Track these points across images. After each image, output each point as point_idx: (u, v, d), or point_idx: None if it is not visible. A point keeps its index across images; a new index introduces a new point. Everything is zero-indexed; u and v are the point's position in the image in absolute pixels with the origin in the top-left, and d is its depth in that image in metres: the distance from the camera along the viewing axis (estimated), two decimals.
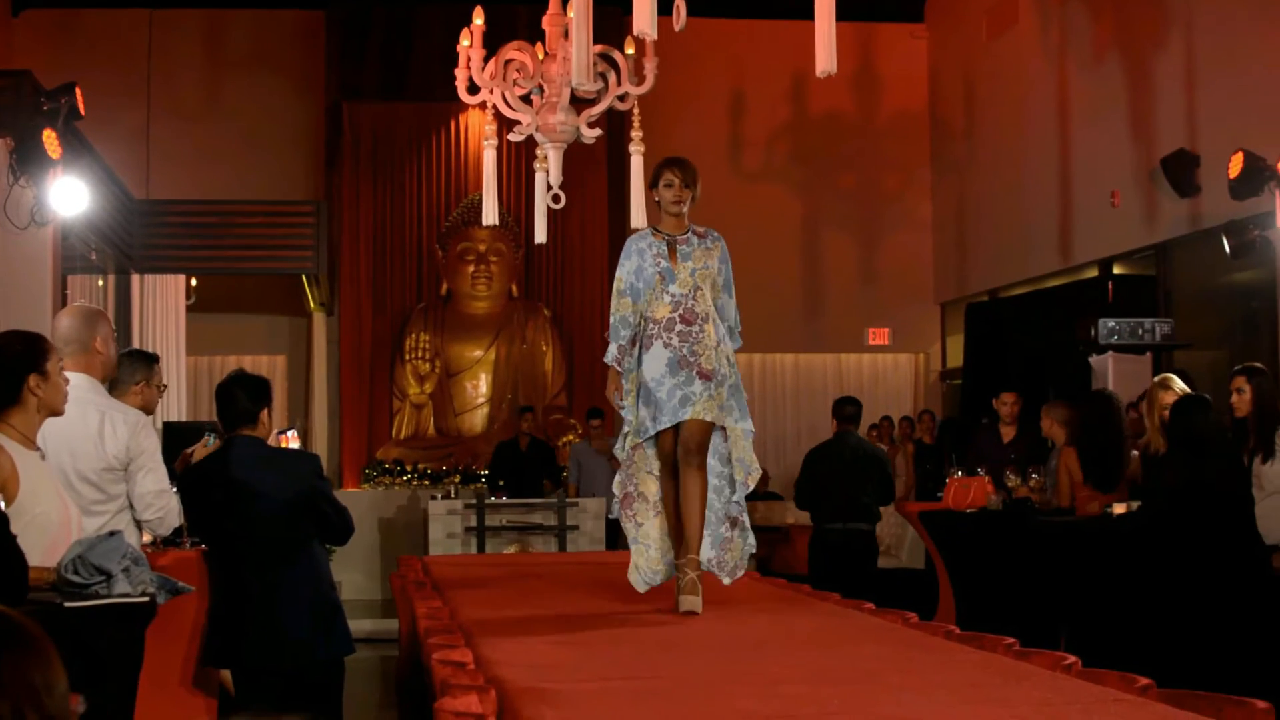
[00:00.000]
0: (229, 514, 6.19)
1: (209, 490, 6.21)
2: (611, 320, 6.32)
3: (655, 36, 5.67)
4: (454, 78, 7.77)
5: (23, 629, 2.11)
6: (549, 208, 7.95)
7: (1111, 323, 11.90)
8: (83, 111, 9.81)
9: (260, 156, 17.51)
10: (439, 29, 15.69)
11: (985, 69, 17.20)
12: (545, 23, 7.61)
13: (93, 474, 5.75)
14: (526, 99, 7.72)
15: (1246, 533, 7.44)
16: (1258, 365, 8.40)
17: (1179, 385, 8.58)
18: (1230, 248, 11.01)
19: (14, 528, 4.08)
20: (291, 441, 7.67)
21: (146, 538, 6.35)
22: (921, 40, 18.88)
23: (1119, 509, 8.63)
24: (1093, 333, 11.86)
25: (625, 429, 6.31)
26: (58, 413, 4.89)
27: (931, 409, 17.25)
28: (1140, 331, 11.90)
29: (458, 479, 16.77)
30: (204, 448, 6.50)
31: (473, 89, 7.73)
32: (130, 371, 6.53)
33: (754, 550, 6.55)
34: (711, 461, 6.31)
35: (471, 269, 17.69)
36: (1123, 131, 13.71)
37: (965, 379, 16.80)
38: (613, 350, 6.29)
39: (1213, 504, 7.45)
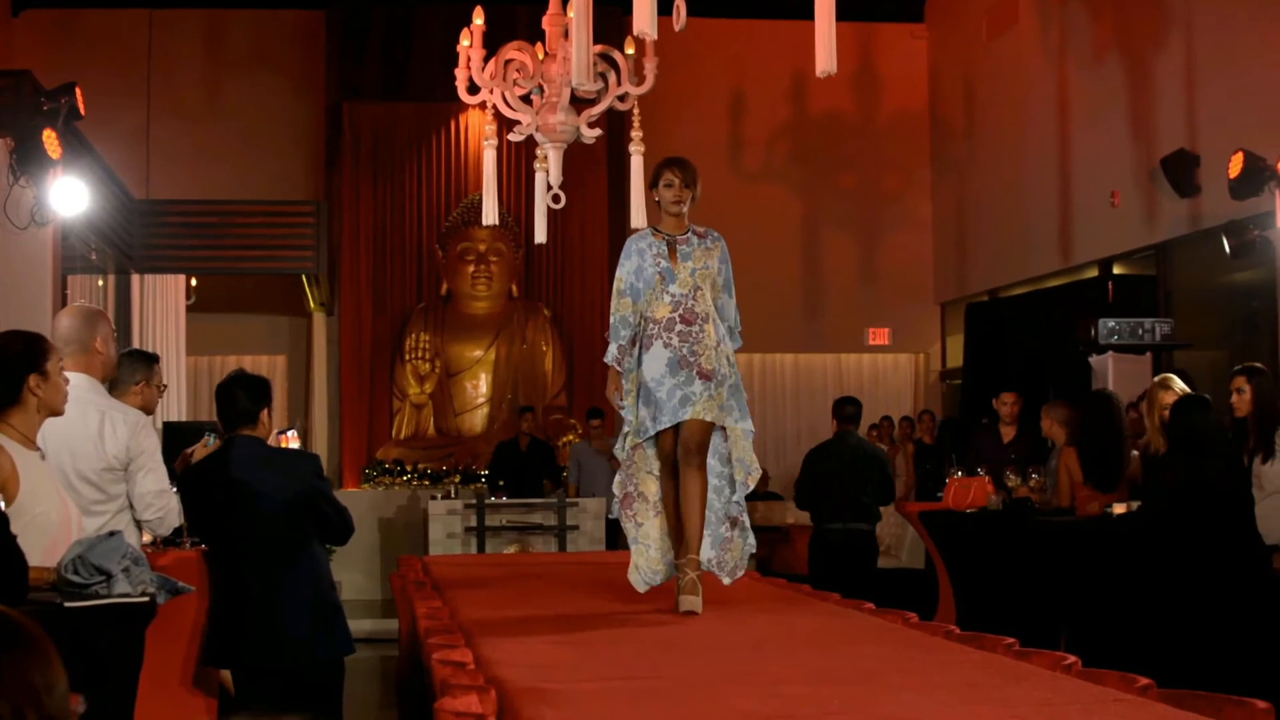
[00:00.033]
0: (229, 514, 6.19)
1: (209, 490, 6.21)
2: (611, 320, 6.32)
3: (655, 36, 5.67)
4: (454, 78, 7.77)
5: (23, 629, 2.11)
6: (549, 208, 7.95)
7: (1111, 323, 11.90)
8: (83, 111, 9.81)
9: (260, 156, 17.51)
10: (439, 29, 15.69)
11: (985, 69, 17.20)
12: (545, 23, 7.61)
13: (93, 474, 5.75)
14: (526, 99, 7.72)
15: (1246, 533, 7.43)
16: (1258, 365, 8.40)
17: (1179, 385, 8.58)
18: (1230, 248, 11.01)
19: (14, 528, 4.08)
20: (291, 441, 7.67)
21: (146, 538, 6.35)
22: (921, 40, 18.88)
23: (1119, 509, 8.63)
24: (1093, 333, 11.86)
25: (625, 429, 6.31)
26: (58, 413, 4.89)
27: (931, 409, 17.25)
28: (1140, 331, 11.90)
29: (458, 479, 16.77)
30: (204, 448, 6.50)
31: (473, 89, 7.73)
32: (130, 371, 6.52)
33: (754, 550, 6.55)
34: (711, 461, 6.31)
35: (471, 269, 17.69)
36: (1123, 131, 13.71)
37: (965, 379, 16.80)
38: (613, 350, 6.29)
39: (1213, 504, 7.45)
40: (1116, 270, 14.39)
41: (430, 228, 17.76)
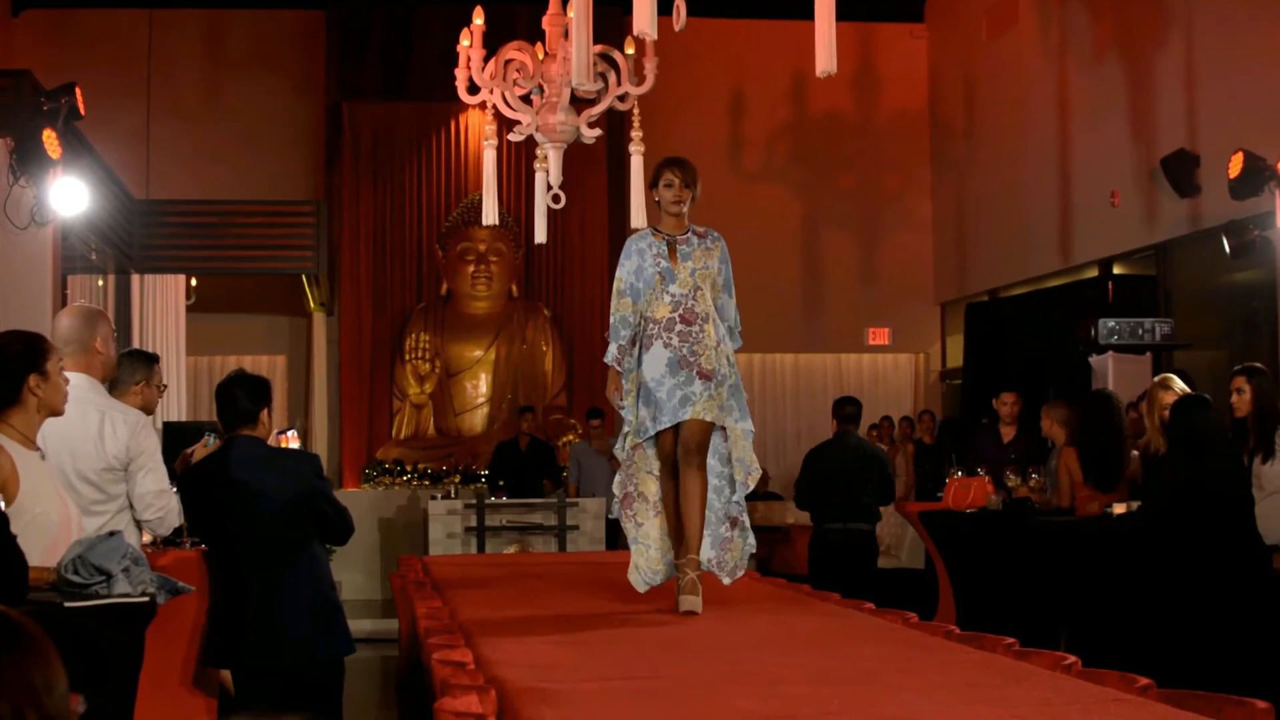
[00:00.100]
0: (229, 514, 6.19)
1: (209, 490, 6.21)
2: (611, 320, 6.33)
3: (655, 36, 5.67)
4: (454, 78, 7.76)
5: (23, 629, 2.11)
6: (549, 208, 7.95)
7: (1111, 323, 11.90)
8: (83, 111, 9.81)
9: (260, 156, 17.50)
10: (439, 29, 15.69)
11: (985, 69, 17.20)
12: (545, 23, 7.61)
13: (93, 474, 5.75)
14: (526, 99, 7.72)
15: (1246, 533, 7.44)
16: (1258, 365, 8.40)
17: (1179, 385, 8.58)
18: (1230, 248, 11.01)
19: (14, 528, 4.08)
20: (291, 441, 7.67)
21: (146, 538, 6.35)
22: (921, 40, 18.87)
23: (1119, 509, 8.63)
24: (1093, 333, 11.86)
25: (625, 429, 6.31)
26: (58, 413, 4.89)
27: (931, 409, 17.25)
28: (1140, 331, 11.90)
29: (458, 479, 16.77)
30: (204, 448, 6.50)
31: (473, 89, 7.73)
32: (130, 371, 6.53)
33: (754, 550, 6.55)
34: (711, 461, 6.31)
35: (471, 269, 17.68)
36: (1123, 131, 13.71)
37: (965, 379, 16.79)
38: (613, 350, 6.29)
39: (1213, 504, 7.45)
40: (1116, 270, 14.39)
41: (430, 228, 17.76)
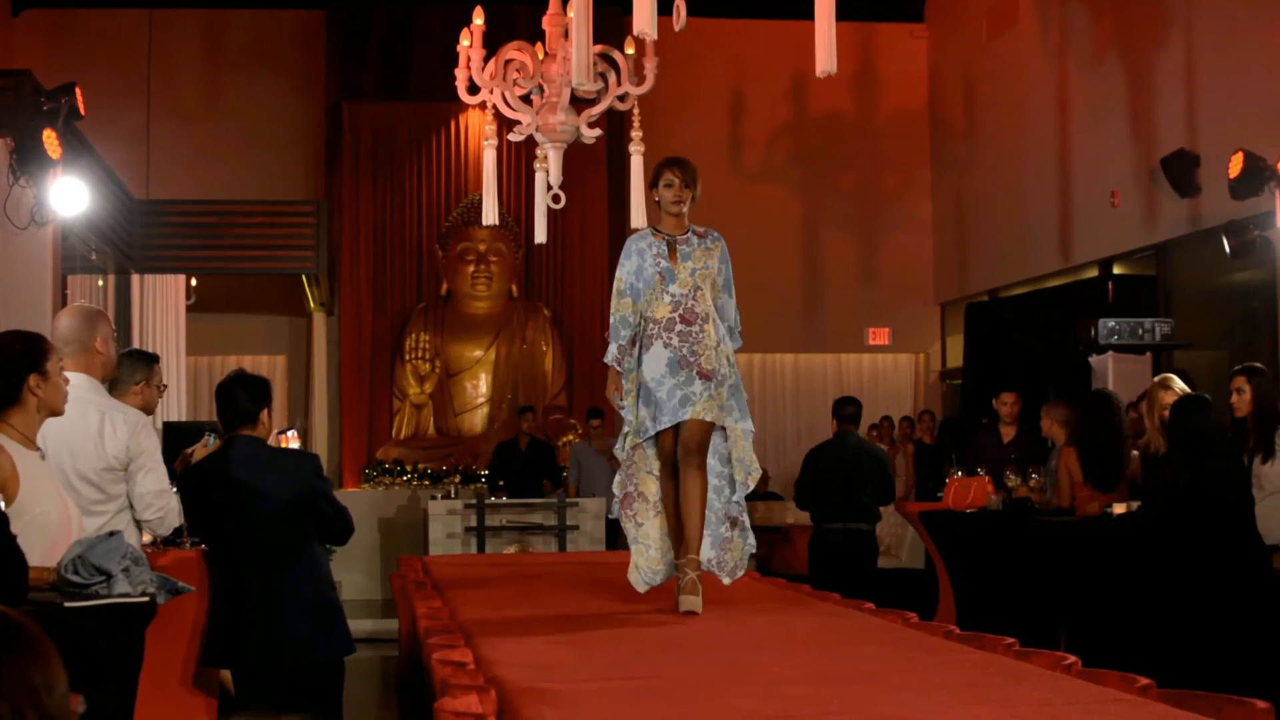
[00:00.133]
0: (229, 514, 6.19)
1: (209, 490, 6.21)
2: (611, 320, 6.32)
3: (655, 36, 5.67)
4: (454, 78, 7.77)
5: (22, 629, 2.11)
6: (549, 208, 7.95)
7: (1111, 323, 11.90)
8: (83, 111, 9.82)
9: (260, 156, 17.50)
10: (439, 29, 15.70)
11: (985, 69, 17.20)
12: (545, 23, 7.61)
13: (92, 474, 5.75)
14: (526, 99, 7.72)
15: (1246, 533, 7.44)
16: (1258, 365, 8.40)
17: (1179, 385, 8.58)
18: (1230, 248, 11.01)
19: (14, 528, 4.08)
20: (291, 441, 7.68)
21: (146, 538, 6.35)
22: (921, 40, 18.87)
23: (1119, 509, 8.63)
24: (1093, 333, 11.86)
25: (625, 429, 6.31)
26: (58, 413, 4.89)
27: (931, 409, 17.25)
28: (1140, 331, 11.90)
29: (458, 479, 16.77)
30: (204, 448, 6.50)
31: (473, 89, 7.73)
32: (130, 371, 6.53)
33: (754, 550, 6.55)
34: (712, 461, 6.31)
35: (471, 269, 17.68)
36: (1123, 131, 13.71)
37: (965, 379, 16.79)
38: (613, 350, 6.29)
39: (1213, 504, 7.45)
40: (1116, 270, 14.39)
41: (430, 228, 17.76)
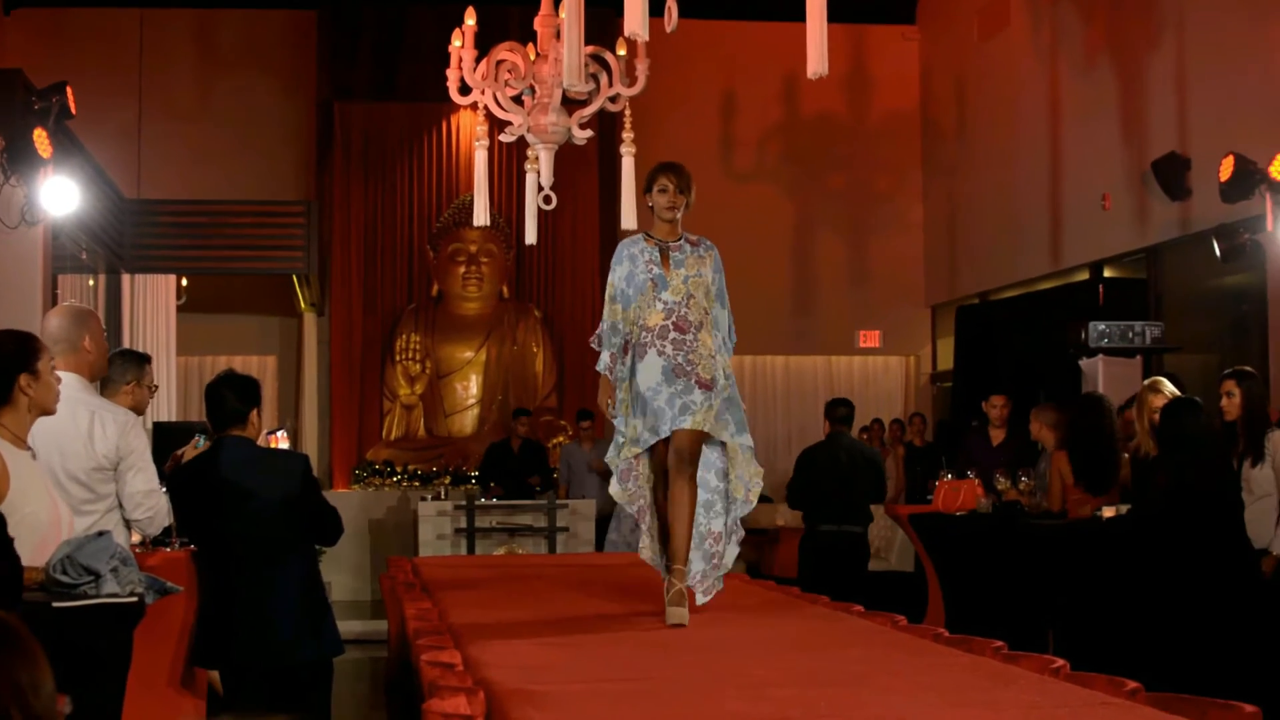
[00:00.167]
0: (218, 514, 6.18)
1: (198, 490, 6.20)
2: (603, 326, 6.27)
3: (647, 37, 5.68)
4: (445, 78, 7.77)
5: (9, 629, 2.11)
6: (540, 209, 7.94)
7: (1102, 326, 11.91)
8: (74, 110, 9.81)
9: (251, 156, 17.47)
10: (431, 29, 15.72)
11: (977, 70, 17.21)
12: (537, 23, 7.61)
13: (82, 474, 5.73)
14: (518, 100, 7.72)
15: (1235, 536, 7.45)
16: (1247, 369, 8.41)
17: (1169, 388, 8.59)
18: (1221, 251, 11.01)
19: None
20: (281, 442, 7.69)
21: (135, 538, 6.34)
22: (913, 42, 18.88)
23: (1108, 512, 8.64)
24: (1083, 336, 11.87)
25: (619, 438, 6.26)
26: (49, 412, 4.88)
27: (922, 412, 17.26)
28: (1130, 335, 11.91)
29: (448, 480, 16.77)
30: (194, 449, 6.49)
31: (464, 89, 7.73)
32: (121, 371, 6.52)
33: (728, 569, 6.49)
34: (707, 476, 6.27)
35: (462, 270, 17.67)
36: (1114, 134, 13.72)
37: (956, 382, 16.81)
38: (604, 359, 6.24)
39: (1202, 507, 7.46)
40: (1107, 273, 14.40)
41: (421, 228, 17.74)
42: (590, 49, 7.18)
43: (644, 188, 6.39)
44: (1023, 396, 11.74)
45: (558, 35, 7.18)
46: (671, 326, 6.10)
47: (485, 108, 7.77)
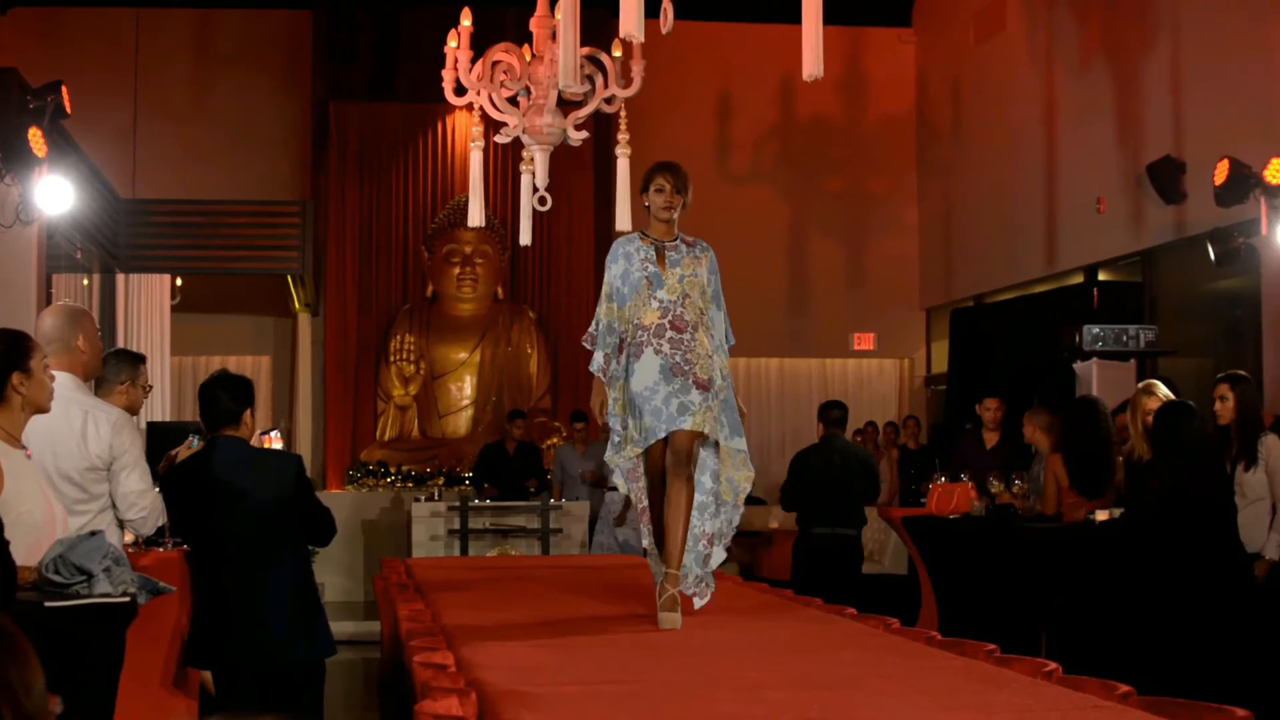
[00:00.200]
0: (211, 515, 6.17)
1: (191, 490, 6.19)
2: (599, 325, 6.25)
3: (642, 39, 5.68)
4: (441, 79, 7.76)
5: (0, 629, 2.10)
6: (535, 210, 7.94)
7: (1096, 329, 11.91)
8: (69, 110, 9.80)
9: (246, 156, 17.47)
10: (426, 30, 15.69)
11: (972, 73, 17.22)
12: (533, 25, 7.60)
13: (75, 473, 5.73)
14: (513, 101, 7.71)
15: (1229, 540, 7.45)
16: (1241, 373, 8.42)
17: (1163, 392, 8.59)
18: (1215, 255, 11.01)
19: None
20: (274, 442, 7.68)
21: (128, 537, 6.33)
22: (909, 44, 18.90)
23: (1101, 516, 8.65)
24: (1077, 339, 11.88)
25: (615, 438, 6.24)
26: (44, 410, 4.88)
27: (916, 414, 17.26)
28: (1125, 338, 11.91)
29: (441, 481, 16.76)
30: (188, 449, 6.48)
31: (460, 90, 7.72)
32: (116, 371, 6.52)
33: (714, 568, 6.48)
34: (703, 478, 6.26)
35: (457, 271, 17.66)
36: (1109, 137, 13.73)
37: (950, 385, 16.81)
38: (598, 359, 6.20)
39: (1196, 511, 7.46)
40: (1102, 276, 14.40)
41: (416, 229, 17.74)
42: (586, 50, 7.18)
43: (641, 187, 6.36)
44: (1017, 399, 11.74)
45: (553, 36, 7.17)
46: (668, 325, 6.08)
47: (480, 109, 7.77)
